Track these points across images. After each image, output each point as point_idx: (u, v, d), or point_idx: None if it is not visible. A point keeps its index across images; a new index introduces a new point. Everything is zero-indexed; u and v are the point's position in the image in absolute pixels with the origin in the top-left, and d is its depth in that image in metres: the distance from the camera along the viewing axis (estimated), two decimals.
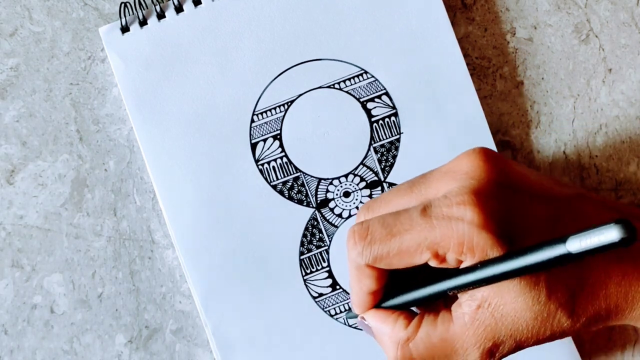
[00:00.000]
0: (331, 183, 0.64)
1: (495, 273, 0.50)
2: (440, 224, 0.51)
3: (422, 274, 0.54)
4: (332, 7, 0.64)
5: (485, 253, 0.50)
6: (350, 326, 0.63)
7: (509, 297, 0.51)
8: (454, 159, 0.54)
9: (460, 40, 0.65)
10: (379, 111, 0.64)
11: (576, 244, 0.46)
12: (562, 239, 0.46)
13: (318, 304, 0.63)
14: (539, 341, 0.52)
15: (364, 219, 0.54)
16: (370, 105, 0.64)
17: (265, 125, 0.64)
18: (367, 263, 0.53)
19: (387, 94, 0.64)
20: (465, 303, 0.52)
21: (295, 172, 0.64)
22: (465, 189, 0.51)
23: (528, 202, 0.52)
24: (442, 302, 0.56)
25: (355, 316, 0.58)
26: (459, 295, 0.53)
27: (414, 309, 0.56)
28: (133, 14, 0.64)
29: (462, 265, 0.51)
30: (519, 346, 0.53)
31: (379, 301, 0.55)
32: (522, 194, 0.52)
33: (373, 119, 0.64)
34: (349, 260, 0.54)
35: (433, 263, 0.52)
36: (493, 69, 0.66)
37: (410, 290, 0.54)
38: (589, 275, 0.52)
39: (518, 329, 0.52)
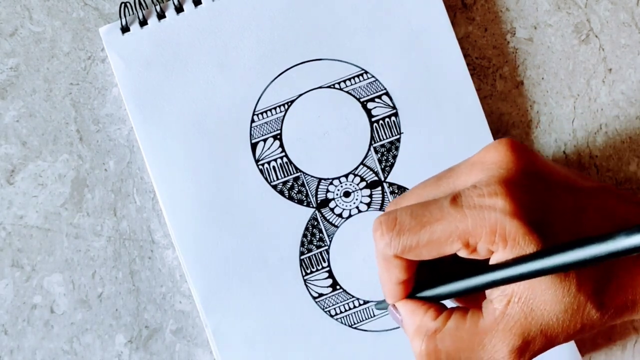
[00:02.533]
0: (331, 183, 0.64)
1: (534, 269, 0.50)
2: (472, 214, 0.51)
3: (454, 265, 0.54)
4: (333, 7, 0.64)
5: (517, 242, 0.50)
6: (351, 327, 0.63)
7: (539, 289, 0.51)
8: (480, 151, 0.54)
9: (460, 40, 0.65)
10: (379, 111, 0.64)
11: (626, 241, 0.46)
12: (611, 236, 0.47)
13: (318, 304, 0.63)
14: (568, 336, 0.52)
15: None
16: (370, 105, 0.64)
17: (266, 125, 0.64)
18: (396, 254, 0.53)
19: (387, 94, 0.64)
20: (497, 298, 0.52)
21: (295, 172, 0.64)
22: (494, 178, 0.52)
23: (555, 192, 0.52)
24: (475, 297, 0.56)
25: (385, 307, 0.58)
26: (490, 290, 0.53)
27: (446, 302, 0.56)
28: (133, 14, 0.64)
29: (493, 256, 0.51)
30: (549, 343, 0.52)
31: (410, 290, 0.55)
32: (549, 184, 0.53)
33: (373, 119, 0.64)
34: (377, 251, 0.54)
35: (463, 253, 0.52)
36: (493, 69, 0.66)
37: (443, 283, 0.54)
38: (618, 266, 0.52)
39: (548, 324, 0.51)
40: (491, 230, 0.51)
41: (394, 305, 0.55)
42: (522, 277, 0.50)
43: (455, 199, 0.52)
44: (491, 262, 0.52)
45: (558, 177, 0.53)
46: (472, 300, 0.56)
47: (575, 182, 0.54)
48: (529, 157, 0.53)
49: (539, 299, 0.51)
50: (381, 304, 0.60)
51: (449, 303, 0.57)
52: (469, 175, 0.53)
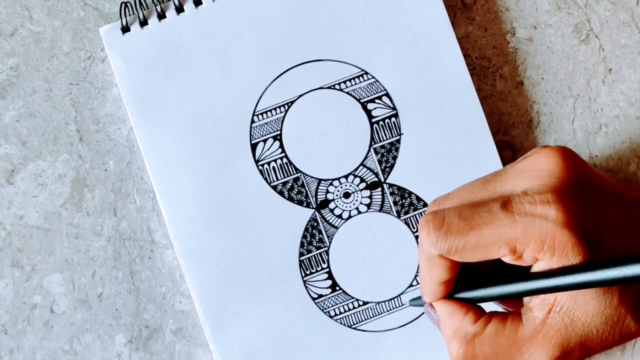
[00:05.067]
0: (331, 184, 0.64)
1: (583, 281, 0.49)
2: (522, 220, 0.51)
3: (490, 267, 0.54)
4: (333, 7, 0.64)
5: (566, 253, 0.50)
6: (350, 327, 0.63)
7: (581, 300, 0.51)
8: (529, 157, 0.54)
9: (460, 40, 0.65)
10: (379, 112, 0.64)
11: None
12: None
13: (317, 305, 0.63)
14: (605, 347, 0.52)
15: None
16: (370, 106, 0.64)
17: (266, 125, 0.64)
18: (441, 254, 0.52)
19: (387, 94, 0.64)
20: (537, 307, 0.52)
21: (295, 172, 0.64)
22: (546, 187, 0.51)
23: (604, 202, 0.52)
24: (515, 302, 0.55)
25: (421, 304, 0.58)
26: (529, 297, 0.52)
27: (483, 305, 0.55)
28: (133, 14, 0.64)
29: (537, 264, 0.51)
30: (586, 353, 0.52)
31: (450, 290, 0.55)
32: (598, 193, 0.52)
33: (373, 120, 0.64)
34: (421, 249, 0.53)
35: (508, 259, 0.52)
36: (493, 69, 0.66)
37: (482, 285, 0.54)
38: None
39: (588, 335, 0.51)
40: (541, 239, 0.50)
41: (431, 304, 0.55)
42: (568, 288, 0.50)
43: (505, 204, 0.51)
44: (534, 269, 0.52)
45: (606, 186, 0.53)
46: (513, 303, 0.56)
47: (622, 192, 0.54)
48: (580, 165, 0.53)
49: (581, 310, 0.51)
50: (416, 301, 0.60)
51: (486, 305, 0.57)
52: (518, 180, 0.53)
